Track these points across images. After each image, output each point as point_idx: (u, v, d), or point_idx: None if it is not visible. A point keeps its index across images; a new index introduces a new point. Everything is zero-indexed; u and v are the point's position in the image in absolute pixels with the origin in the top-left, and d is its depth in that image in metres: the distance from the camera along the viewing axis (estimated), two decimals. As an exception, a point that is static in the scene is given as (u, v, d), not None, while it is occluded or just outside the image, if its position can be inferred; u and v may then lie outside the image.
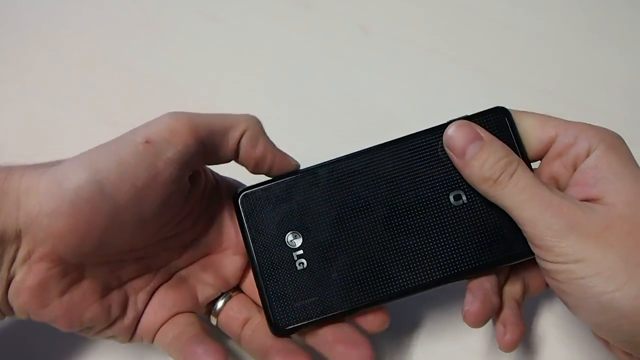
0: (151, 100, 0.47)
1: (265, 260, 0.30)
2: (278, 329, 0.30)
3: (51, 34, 0.51)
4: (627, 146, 0.29)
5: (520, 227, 0.28)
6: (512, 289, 0.32)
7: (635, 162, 0.28)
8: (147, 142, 0.27)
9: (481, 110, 0.31)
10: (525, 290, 0.32)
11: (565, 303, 0.28)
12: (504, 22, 0.46)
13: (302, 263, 0.30)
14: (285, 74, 0.47)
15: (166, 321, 0.32)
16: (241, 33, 0.49)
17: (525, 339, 0.35)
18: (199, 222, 0.33)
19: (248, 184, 0.33)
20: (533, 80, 0.43)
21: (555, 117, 0.30)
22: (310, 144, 0.43)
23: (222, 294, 0.33)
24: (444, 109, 0.38)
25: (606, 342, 0.30)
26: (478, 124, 0.30)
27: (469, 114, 0.31)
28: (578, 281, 0.26)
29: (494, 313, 0.30)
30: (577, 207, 0.27)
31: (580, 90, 0.43)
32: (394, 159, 0.30)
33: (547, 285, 0.32)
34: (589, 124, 0.30)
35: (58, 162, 0.28)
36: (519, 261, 0.30)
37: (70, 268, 0.28)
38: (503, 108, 0.30)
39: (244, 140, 0.30)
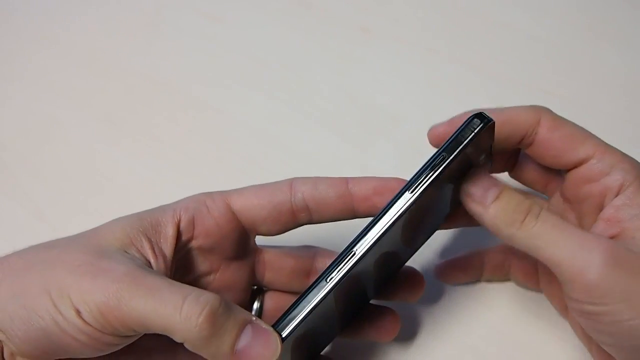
0: (151, 99, 0.47)
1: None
2: None
3: (51, 34, 0.51)
4: None
5: (553, 269, 0.26)
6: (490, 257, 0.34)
7: None
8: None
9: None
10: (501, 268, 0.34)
11: (601, 342, 0.26)
12: (504, 22, 0.46)
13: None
14: (285, 73, 0.47)
15: None
16: (241, 33, 0.49)
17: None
18: None
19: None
20: (533, 80, 0.43)
21: (595, 136, 0.29)
22: (309, 144, 0.43)
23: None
24: (444, 109, 0.37)
25: None
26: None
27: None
28: (625, 323, 0.24)
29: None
30: (614, 243, 0.25)
31: (580, 90, 0.43)
32: None
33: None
34: (626, 155, 0.28)
35: None
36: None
37: None
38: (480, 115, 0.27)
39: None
